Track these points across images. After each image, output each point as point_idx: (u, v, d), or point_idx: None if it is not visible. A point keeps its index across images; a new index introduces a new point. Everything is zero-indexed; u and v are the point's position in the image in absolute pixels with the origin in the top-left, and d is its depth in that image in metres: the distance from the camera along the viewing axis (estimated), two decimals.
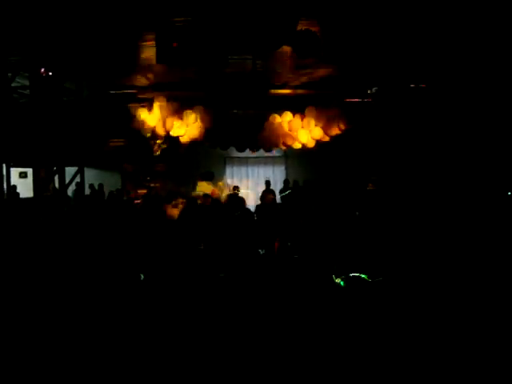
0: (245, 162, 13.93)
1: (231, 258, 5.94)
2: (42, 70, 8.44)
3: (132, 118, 10.01)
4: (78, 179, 10.01)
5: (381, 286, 5.93)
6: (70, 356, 4.03)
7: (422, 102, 9.78)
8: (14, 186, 8.48)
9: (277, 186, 12.87)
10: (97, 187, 11.68)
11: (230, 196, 9.24)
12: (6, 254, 6.72)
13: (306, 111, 10.24)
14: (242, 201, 7.80)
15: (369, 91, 8.86)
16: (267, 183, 11.93)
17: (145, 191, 13.33)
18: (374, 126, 10.42)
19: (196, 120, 9.98)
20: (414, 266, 6.28)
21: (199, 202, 8.07)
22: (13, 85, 8.72)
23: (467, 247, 6.92)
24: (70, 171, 10.00)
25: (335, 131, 10.20)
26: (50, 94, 8.59)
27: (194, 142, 10.63)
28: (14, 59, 8.16)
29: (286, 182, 12.32)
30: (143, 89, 9.91)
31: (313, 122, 10.21)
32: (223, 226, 6.59)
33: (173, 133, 10.15)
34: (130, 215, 9.04)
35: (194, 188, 12.09)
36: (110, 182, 12.67)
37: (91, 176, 12.03)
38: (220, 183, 11.23)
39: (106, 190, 11.64)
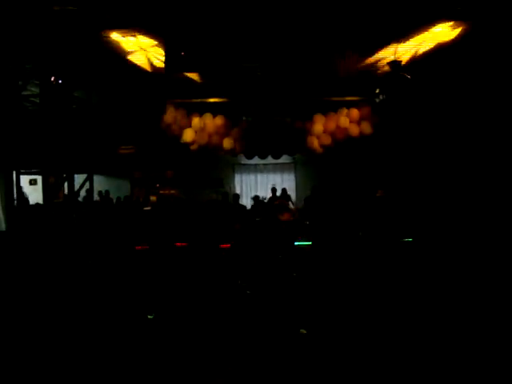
0: (253, 168, 13.90)
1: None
2: (53, 78, 8.52)
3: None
4: (87, 186, 10.06)
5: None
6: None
7: (430, 106, 9.70)
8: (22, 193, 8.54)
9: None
10: (105, 194, 11.76)
11: None
12: (16, 260, 6.78)
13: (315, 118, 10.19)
14: None
15: (376, 100, 8.78)
16: (273, 190, 11.75)
17: (154, 198, 13.44)
18: (383, 131, 10.34)
19: (203, 125, 9.99)
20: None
21: None
22: (24, 93, 8.83)
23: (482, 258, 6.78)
24: (79, 178, 10.07)
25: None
26: (59, 102, 8.67)
27: (203, 149, 10.63)
28: (25, 67, 8.27)
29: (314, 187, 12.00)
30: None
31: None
32: None
33: (182, 140, 10.18)
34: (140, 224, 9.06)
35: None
36: (120, 188, 12.76)
37: (100, 183, 12.13)
38: None
39: (115, 197, 11.71)
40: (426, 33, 7.32)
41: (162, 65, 8.10)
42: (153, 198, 13.51)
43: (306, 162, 13.43)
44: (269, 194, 11.80)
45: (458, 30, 7.27)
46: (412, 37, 7.48)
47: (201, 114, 10.16)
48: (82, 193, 10.30)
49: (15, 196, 8.37)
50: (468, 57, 8.33)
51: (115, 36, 7.16)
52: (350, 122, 10.11)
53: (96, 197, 11.12)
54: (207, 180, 13.47)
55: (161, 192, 13.79)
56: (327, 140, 10.22)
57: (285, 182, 14.01)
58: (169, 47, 7.47)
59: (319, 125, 10.16)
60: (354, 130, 10.09)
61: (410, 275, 6.55)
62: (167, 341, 4.62)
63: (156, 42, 7.50)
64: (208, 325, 5.00)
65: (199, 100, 10.05)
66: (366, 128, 10.10)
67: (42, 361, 4.12)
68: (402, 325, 4.94)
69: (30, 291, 5.85)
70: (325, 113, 10.25)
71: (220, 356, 4.27)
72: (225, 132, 10.18)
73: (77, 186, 9.30)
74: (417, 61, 8.62)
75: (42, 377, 3.88)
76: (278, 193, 11.90)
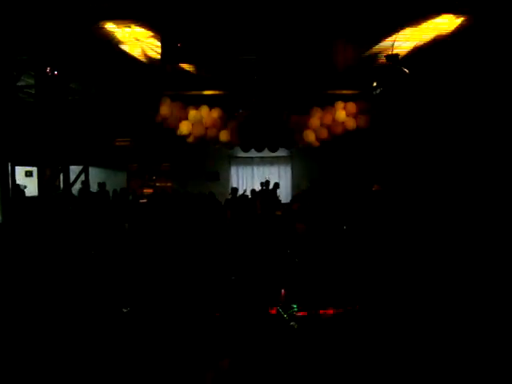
0: (250, 161, 13.88)
1: None
2: (48, 69, 8.45)
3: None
4: (82, 178, 10.04)
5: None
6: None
7: (428, 100, 9.69)
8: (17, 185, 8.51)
9: (282, 187, 12.82)
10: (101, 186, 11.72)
11: None
12: (11, 253, 6.76)
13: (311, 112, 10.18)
14: None
15: (374, 92, 8.76)
16: (266, 183, 11.38)
17: (150, 190, 13.43)
18: (380, 125, 10.33)
19: (199, 117, 9.96)
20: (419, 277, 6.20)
21: None
22: (19, 84, 8.76)
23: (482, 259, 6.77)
24: (75, 170, 10.03)
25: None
26: (55, 93, 8.61)
27: (199, 142, 10.60)
28: (20, 58, 8.19)
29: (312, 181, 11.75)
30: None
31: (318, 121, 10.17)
32: None
33: (179, 132, 10.14)
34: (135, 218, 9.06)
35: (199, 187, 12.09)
36: (115, 181, 12.73)
37: (96, 175, 12.09)
38: None
39: (111, 189, 11.67)
40: (425, 24, 7.30)
41: (157, 56, 8.05)
42: (147, 191, 13.52)
43: (302, 156, 13.44)
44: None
45: (457, 23, 7.25)
46: (410, 28, 7.46)
47: (197, 107, 10.13)
48: (77, 185, 10.27)
49: (10, 188, 8.33)
50: (467, 51, 8.31)
51: (110, 27, 7.10)
52: (347, 115, 10.12)
53: (95, 188, 11.10)
54: (203, 173, 13.46)
55: (157, 184, 13.79)
56: (324, 133, 10.22)
57: (282, 174, 14.01)
58: (165, 38, 7.42)
59: (316, 118, 10.16)
60: (351, 124, 10.10)
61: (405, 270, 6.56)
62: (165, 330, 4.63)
63: (152, 33, 7.44)
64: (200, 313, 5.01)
65: (196, 92, 10.01)
66: (363, 122, 10.11)
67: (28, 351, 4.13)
68: (394, 319, 4.96)
69: (24, 283, 5.84)
70: (322, 106, 10.24)
71: (212, 348, 4.28)
72: (221, 124, 10.16)
73: (72, 178, 9.28)
74: (415, 54, 8.60)
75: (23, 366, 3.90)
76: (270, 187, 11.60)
